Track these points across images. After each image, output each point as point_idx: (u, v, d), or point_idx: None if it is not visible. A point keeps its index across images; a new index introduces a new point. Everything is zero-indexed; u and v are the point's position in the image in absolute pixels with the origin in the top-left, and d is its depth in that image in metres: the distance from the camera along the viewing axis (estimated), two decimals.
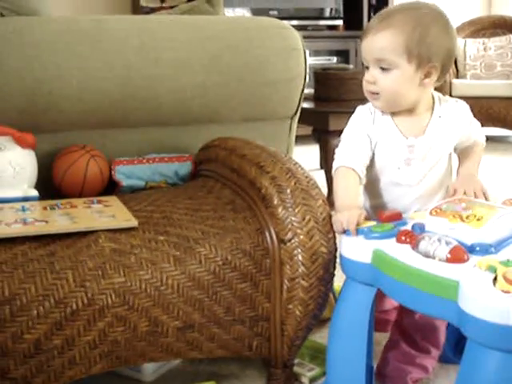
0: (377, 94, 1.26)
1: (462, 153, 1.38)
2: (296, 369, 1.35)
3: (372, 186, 1.36)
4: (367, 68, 1.27)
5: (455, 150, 1.37)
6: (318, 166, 3.46)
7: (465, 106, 1.36)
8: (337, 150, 1.32)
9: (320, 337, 1.49)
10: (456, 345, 1.36)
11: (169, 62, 1.59)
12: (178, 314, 1.14)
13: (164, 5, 4.05)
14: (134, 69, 1.56)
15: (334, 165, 1.30)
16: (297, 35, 1.73)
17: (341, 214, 1.17)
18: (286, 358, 1.25)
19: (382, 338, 1.55)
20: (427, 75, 1.24)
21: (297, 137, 4.42)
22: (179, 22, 1.67)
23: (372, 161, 1.32)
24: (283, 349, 1.23)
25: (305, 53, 1.74)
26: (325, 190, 2.88)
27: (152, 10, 4.00)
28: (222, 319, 1.18)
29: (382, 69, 1.24)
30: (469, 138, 1.37)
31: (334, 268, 1.19)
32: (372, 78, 1.25)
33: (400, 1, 5.13)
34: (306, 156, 3.99)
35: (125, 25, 1.60)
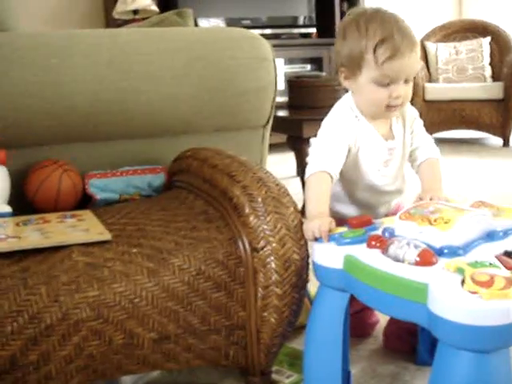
0: (400, 105, 1.34)
1: (421, 171, 1.43)
2: (274, 376, 1.36)
3: (347, 192, 1.45)
4: (388, 85, 1.30)
5: (412, 164, 1.45)
6: (295, 174, 3.47)
7: (409, 104, 1.44)
8: (311, 154, 1.34)
9: (298, 343, 1.50)
10: (432, 347, 1.37)
11: (139, 75, 1.59)
12: (153, 325, 1.14)
13: (137, 17, 4.06)
14: (105, 82, 1.56)
15: (308, 170, 1.31)
16: (267, 45, 1.74)
17: (312, 222, 1.19)
18: (264, 366, 1.25)
19: (359, 342, 1.57)
20: None
21: (273, 145, 4.45)
22: (149, 35, 1.68)
23: (355, 164, 1.38)
24: (260, 357, 1.24)
25: (275, 62, 1.76)
26: (300, 198, 2.89)
27: (125, 23, 4.01)
28: (197, 329, 1.18)
29: (406, 81, 1.32)
30: (418, 136, 1.44)
31: (307, 274, 1.20)
32: (403, 93, 1.32)
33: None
34: (283, 164, 4.01)
35: (94, 39, 1.60)
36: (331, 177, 1.30)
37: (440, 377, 0.93)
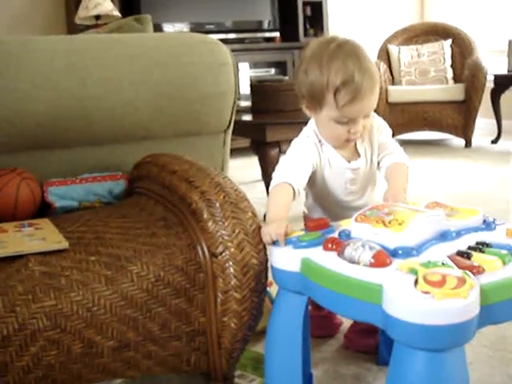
0: (357, 138, 1.38)
1: (387, 175, 1.44)
2: (237, 380, 1.36)
3: (319, 205, 1.51)
4: (348, 122, 1.34)
5: (380, 171, 1.47)
6: (260, 178, 3.48)
7: (376, 117, 1.46)
8: (276, 169, 1.38)
9: (261, 347, 1.50)
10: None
11: (97, 81, 1.58)
12: (113, 333, 1.13)
13: (99, 22, 4.03)
14: (62, 89, 1.55)
15: (272, 182, 1.35)
16: (225, 50, 1.75)
17: (268, 225, 1.19)
18: (226, 371, 1.25)
19: (322, 343, 1.58)
20: None
21: (238, 149, 4.46)
22: (107, 41, 1.67)
23: (323, 182, 1.44)
24: (222, 362, 1.24)
25: (235, 67, 1.76)
26: (265, 202, 2.89)
27: (87, 28, 3.98)
28: (157, 336, 1.18)
29: (366, 116, 1.35)
30: (386, 145, 1.45)
31: (266, 279, 1.20)
32: (361, 128, 1.35)
33: (333, 14, 5.23)
34: (248, 168, 4.02)
35: (51, 45, 1.59)
36: (293, 189, 1.32)
37: (396, 376, 0.94)
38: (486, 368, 1.44)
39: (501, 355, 1.50)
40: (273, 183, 1.34)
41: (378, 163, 1.46)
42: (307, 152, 1.40)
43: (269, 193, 1.36)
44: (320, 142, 1.42)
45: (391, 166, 1.42)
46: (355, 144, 1.42)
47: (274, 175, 1.36)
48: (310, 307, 1.47)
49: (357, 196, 1.47)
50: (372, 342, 1.49)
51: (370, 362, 1.48)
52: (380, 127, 1.45)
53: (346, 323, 1.63)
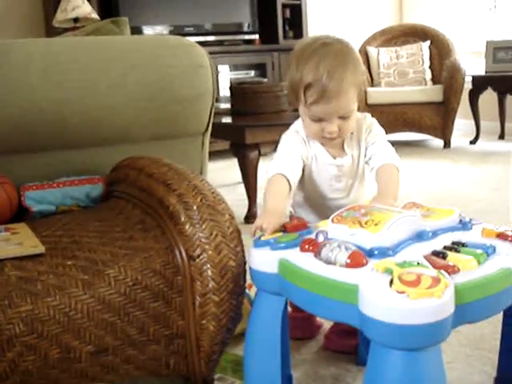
0: (336, 137, 1.39)
1: (377, 177, 1.44)
2: (217, 383, 1.36)
3: (306, 202, 1.52)
4: (321, 120, 1.36)
5: (371, 172, 1.47)
6: (240, 180, 3.48)
7: (368, 118, 1.48)
8: (271, 162, 1.41)
9: (241, 350, 1.50)
10: None
11: (74, 84, 1.57)
12: (90, 338, 1.13)
13: (77, 25, 4.00)
14: (39, 92, 1.54)
15: (268, 174, 1.38)
16: (203, 52, 1.74)
17: (259, 219, 1.22)
18: (205, 374, 1.25)
19: (302, 345, 1.58)
20: None
21: (218, 151, 4.45)
22: (83, 44, 1.66)
23: (310, 178, 1.46)
24: (201, 365, 1.23)
25: (212, 69, 1.76)
26: (246, 203, 2.90)
27: (65, 31, 3.95)
28: (136, 340, 1.17)
29: (342, 117, 1.36)
30: (374, 145, 1.45)
31: (245, 281, 1.20)
32: (336, 128, 1.36)
33: (312, 17, 5.24)
34: (228, 170, 4.02)
35: (28, 48, 1.58)
36: (288, 181, 1.35)
37: (373, 376, 0.94)
38: (464, 367, 1.46)
39: (479, 354, 1.51)
40: (268, 176, 1.38)
41: (368, 163, 1.47)
42: (296, 146, 1.43)
43: (266, 182, 1.38)
44: (307, 136, 1.44)
45: (381, 169, 1.41)
46: (343, 142, 1.44)
47: (269, 169, 1.39)
48: (290, 309, 1.48)
49: (342, 194, 1.48)
50: (351, 342, 1.49)
51: (350, 362, 1.48)
52: (370, 127, 1.46)
53: (327, 325, 1.64)
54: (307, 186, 1.49)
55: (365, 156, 1.46)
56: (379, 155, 1.43)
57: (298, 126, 1.47)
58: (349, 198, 1.49)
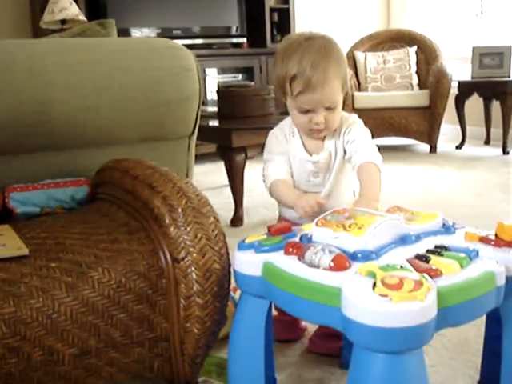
0: (323, 129, 1.43)
1: (358, 176, 1.45)
2: None
3: None
4: (308, 112, 1.41)
5: (353, 170, 1.48)
6: (227, 183, 3.48)
7: (352, 117, 1.50)
8: (264, 171, 1.50)
9: (226, 353, 1.49)
10: None
11: (59, 86, 1.56)
12: (74, 340, 1.12)
13: (65, 27, 3.99)
14: (24, 93, 1.53)
15: (267, 183, 1.48)
16: (190, 55, 1.74)
17: (301, 199, 1.35)
18: (189, 377, 1.25)
19: (286, 348, 1.59)
20: None
21: (205, 154, 4.44)
22: (69, 45, 1.65)
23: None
24: (185, 368, 1.23)
25: (199, 72, 1.76)
26: (232, 207, 2.90)
27: (53, 32, 3.93)
28: (119, 343, 1.17)
29: (328, 108, 1.40)
30: (355, 142, 1.46)
31: (229, 284, 1.20)
32: (323, 119, 1.41)
33: (300, 21, 5.25)
34: (215, 173, 4.02)
35: (13, 49, 1.57)
36: (287, 181, 1.47)
37: (356, 379, 0.95)
38: (448, 371, 1.46)
39: (463, 358, 1.52)
40: (268, 182, 1.49)
41: (350, 161, 1.47)
42: (281, 146, 1.50)
43: (269, 191, 1.50)
44: (293, 132, 1.49)
45: (362, 168, 1.42)
46: (324, 138, 1.47)
47: (266, 175, 1.50)
48: (275, 312, 1.49)
49: (320, 188, 1.50)
50: (336, 345, 1.50)
51: (334, 365, 1.49)
52: (350, 125, 1.48)
53: (311, 328, 1.64)
54: None
55: (344, 153, 1.48)
56: (359, 153, 1.45)
57: (284, 123, 1.52)
58: (329, 194, 1.50)
